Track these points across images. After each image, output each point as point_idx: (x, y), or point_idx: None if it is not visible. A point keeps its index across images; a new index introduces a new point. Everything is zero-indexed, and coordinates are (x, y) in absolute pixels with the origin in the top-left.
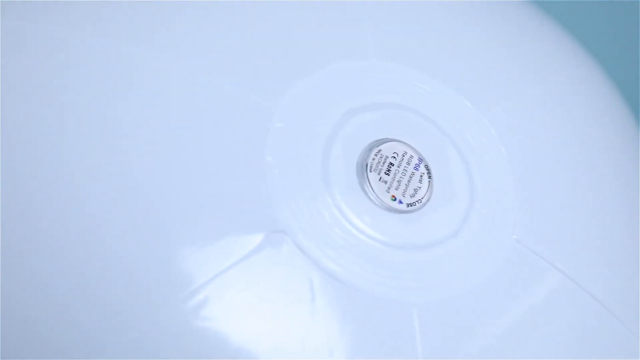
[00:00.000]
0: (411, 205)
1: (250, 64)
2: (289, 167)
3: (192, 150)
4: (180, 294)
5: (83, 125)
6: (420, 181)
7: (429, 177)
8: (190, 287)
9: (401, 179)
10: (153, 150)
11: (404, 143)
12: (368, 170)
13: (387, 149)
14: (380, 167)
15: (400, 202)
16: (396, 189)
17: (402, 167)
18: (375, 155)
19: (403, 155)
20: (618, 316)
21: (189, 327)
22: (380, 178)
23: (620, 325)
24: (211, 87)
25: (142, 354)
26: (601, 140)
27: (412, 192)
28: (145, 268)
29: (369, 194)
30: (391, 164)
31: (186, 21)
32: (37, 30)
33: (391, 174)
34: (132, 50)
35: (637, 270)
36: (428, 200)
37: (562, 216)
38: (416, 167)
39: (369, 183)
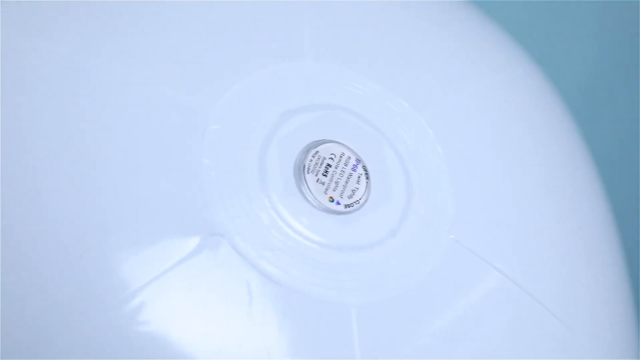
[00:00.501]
0: (349, 207)
1: (186, 66)
2: (225, 170)
3: (129, 153)
4: (117, 297)
5: (21, 126)
6: (358, 182)
7: (367, 178)
8: (127, 290)
9: (339, 180)
10: (91, 154)
11: (342, 144)
12: (305, 172)
13: (324, 150)
14: (317, 168)
15: (338, 203)
16: (334, 190)
17: (339, 168)
18: (313, 156)
19: (340, 157)
20: (555, 314)
21: (127, 331)
22: (318, 179)
23: (558, 323)
24: (148, 90)
25: (85, 355)
26: (538, 140)
27: (350, 193)
28: (83, 272)
29: (307, 196)
30: (329, 165)
31: (122, 25)
32: None
33: (329, 175)
34: (67, 50)
35: (573, 268)
36: (366, 201)
37: (499, 215)
38: (354, 168)
39: (307, 184)
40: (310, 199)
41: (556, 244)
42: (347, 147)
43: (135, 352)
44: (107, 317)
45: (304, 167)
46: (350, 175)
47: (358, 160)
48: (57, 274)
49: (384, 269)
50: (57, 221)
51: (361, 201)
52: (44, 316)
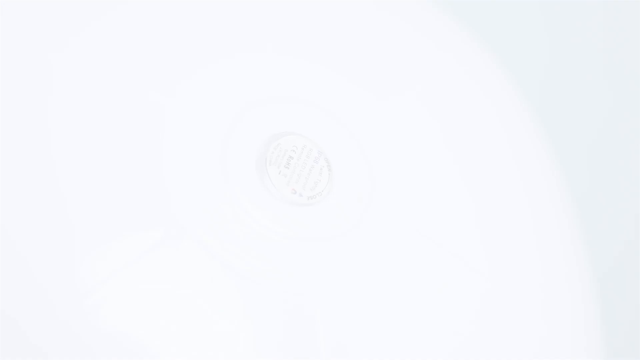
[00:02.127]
0: (312, 198)
1: (145, 59)
2: (187, 163)
3: (89, 147)
4: (78, 292)
5: None
6: (320, 174)
7: (329, 169)
8: (89, 284)
9: (301, 172)
10: (51, 149)
11: (303, 136)
12: (267, 164)
13: (286, 143)
14: (279, 160)
15: (301, 195)
16: (296, 182)
17: (301, 160)
18: (275, 148)
19: (302, 148)
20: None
21: (89, 326)
22: (280, 172)
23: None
24: (107, 85)
25: (46, 350)
26: (501, 133)
27: (313, 184)
28: (44, 267)
29: (269, 188)
30: (291, 157)
31: (82, 22)
32: None
33: (291, 167)
34: (28, 47)
35: (534, 262)
36: (328, 192)
37: (464, 207)
38: (316, 160)
39: (269, 177)
40: (272, 191)
41: (518, 237)
42: (309, 139)
43: (97, 346)
44: (69, 312)
45: (266, 159)
46: (313, 167)
47: (320, 152)
48: (19, 271)
49: (347, 261)
50: (18, 217)
51: (323, 193)
52: (5, 313)
